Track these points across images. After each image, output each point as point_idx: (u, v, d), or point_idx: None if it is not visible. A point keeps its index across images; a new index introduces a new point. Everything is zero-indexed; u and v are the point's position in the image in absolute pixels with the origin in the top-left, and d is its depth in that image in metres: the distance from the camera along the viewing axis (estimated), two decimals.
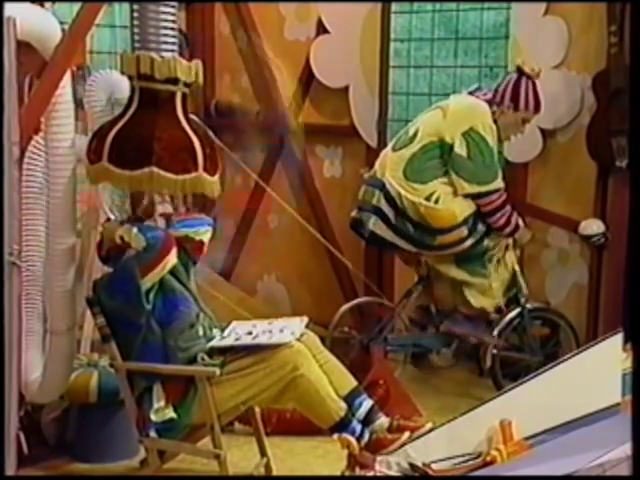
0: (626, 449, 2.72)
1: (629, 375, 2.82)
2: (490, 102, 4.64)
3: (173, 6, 3.60)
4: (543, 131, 5.01)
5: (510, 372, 4.75)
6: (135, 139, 3.46)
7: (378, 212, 4.65)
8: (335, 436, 3.39)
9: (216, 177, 3.58)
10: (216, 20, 6.04)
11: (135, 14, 3.58)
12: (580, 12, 4.86)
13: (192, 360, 3.55)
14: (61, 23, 3.75)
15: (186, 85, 3.54)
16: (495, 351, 4.74)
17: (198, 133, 3.56)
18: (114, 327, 3.54)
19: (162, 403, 3.49)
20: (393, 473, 3.13)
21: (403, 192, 4.58)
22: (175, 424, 3.51)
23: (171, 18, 3.59)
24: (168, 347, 3.52)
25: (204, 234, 3.75)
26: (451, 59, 5.44)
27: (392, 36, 5.45)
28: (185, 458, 3.88)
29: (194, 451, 3.68)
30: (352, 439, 3.31)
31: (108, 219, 3.89)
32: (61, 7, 4.46)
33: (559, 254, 5.14)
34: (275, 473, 3.85)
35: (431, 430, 3.38)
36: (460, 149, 4.53)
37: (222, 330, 3.74)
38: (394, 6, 5.45)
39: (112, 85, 4.12)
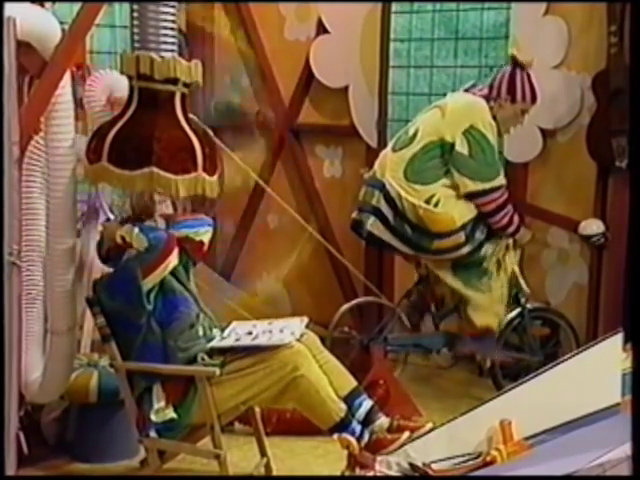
0: (626, 449, 2.72)
1: (629, 375, 2.82)
2: (487, 97, 4.63)
3: (173, 6, 3.60)
4: (543, 131, 5.01)
5: (510, 372, 4.75)
6: (135, 139, 3.46)
7: (377, 213, 4.64)
8: (335, 436, 3.39)
9: (215, 177, 3.58)
10: (216, 20, 6.04)
11: (135, 14, 3.58)
12: (580, 12, 4.86)
13: (192, 360, 3.55)
14: (61, 23, 3.75)
15: (185, 85, 3.54)
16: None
17: (198, 133, 3.56)
18: (114, 327, 3.54)
19: (162, 403, 3.49)
20: (393, 473, 3.13)
21: (403, 193, 4.57)
22: (175, 424, 3.51)
23: (171, 18, 3.58)
24: (168, 347, 3.52)
25: (204, 234, 3.74)
26: (451, 59, 5.44)
27: (392, 36, 5.45)
28: (185, 458, 3.88)
29: (194, 451, 3.68)
30: (352, 439, 3.31)
31: (108, 219, 3.89)
32: (61, 7, 4.46)
33: (559, 254, 5.14)
34: (275, 473, 3.85)
35: (431, 430, 3.38)
36: (461, 147, 4.52)
37: (222, 330, 3.74)
38: (394, 6, 5.45)
39: (112, 85, 4.12)
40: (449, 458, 3.20)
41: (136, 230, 3.51)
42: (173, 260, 3.55)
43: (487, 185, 4.56)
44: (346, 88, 5.63)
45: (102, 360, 4.11)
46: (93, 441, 4.07)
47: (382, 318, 5.05)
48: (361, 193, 4.78)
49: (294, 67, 5.78)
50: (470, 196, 4.58)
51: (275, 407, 3.98)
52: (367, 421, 3.56)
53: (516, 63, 4.60)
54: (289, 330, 3.61)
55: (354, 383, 3.65)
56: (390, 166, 4.64)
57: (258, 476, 3.82)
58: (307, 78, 5.77)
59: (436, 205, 4.54)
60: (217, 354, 3.57)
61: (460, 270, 4.71)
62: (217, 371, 3.44)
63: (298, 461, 4.10)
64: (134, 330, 3.51)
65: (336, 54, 5.58)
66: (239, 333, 3.69)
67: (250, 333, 3.66)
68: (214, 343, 3.63)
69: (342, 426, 3.47)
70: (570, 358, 3.43)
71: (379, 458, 3.20)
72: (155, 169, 3.41)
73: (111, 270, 3.64)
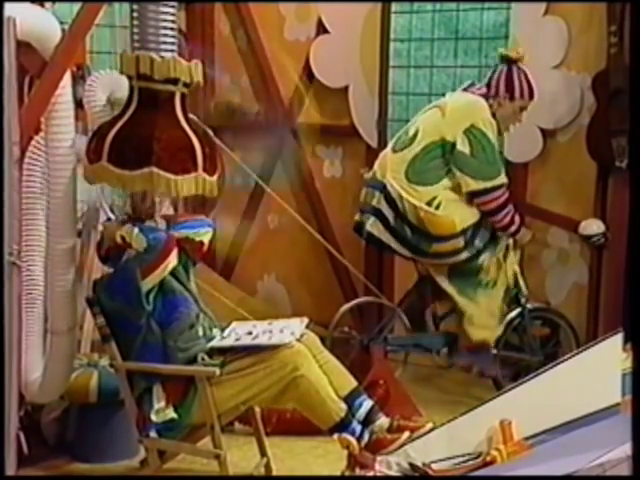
0: (626, 449, 2.72)
1: (629, 375, 2.82)
2: (485, 96, 4.63)
3: (173, 6, 3.60)
4: (543, 131, 5.01)
5: (510, 372, 4.75)
6: (134, 139, 3.46)
7: (377, 213, 4.64)
8: (335, 436, 3.39)
9: (215, 177, 3.58)
10: (216, 20, 6.04)
11: (135, 14, 3.58)
12: (580, 12, 4.86)
13: (192, 360, 3.55)
14: (61, 23, 3.75)
15: (185, 85, 3.54)
16: (495, 351, 4.74)
17: (197, 133, 3.56)
18: (114, 327, 3.54)
19: (162, 404, 3.49)
20: (393, 473, 3.13)
21: (405, 194, 4.56)
22: (175, 424, 3.51)
23: (171, 18, 3.59)
24: (168, 348, 3.51)
25: (204, 235, 3.74)
26: (451, 59, 5.44)
27: (392, 36, 5.45)
28: (185, 458, 3.89)
29: (194, 451, 3.68)
30: (352, 439, 3.31)
31: (108, 219, 3.89)
32: (61, 7, 4.46)
33: (559, 254, 5.14)
34: (275, 473, 3.85)
35: (431, 430, 3.38)
36: (462, 146, 4.52)
37: (222, 330, 3.74)
38: (394, 6, 5.45)
39: (112, 85, 4.12)
40: (449, 458, 3.20)
41: (136, 230, 3.51)
42: (172, 261, 3.55)
43: (489, 184, 4.56)
44: (346, 88, 5.63)
45: (102, 360, 4.11)
46: (93, 441, 4.07)
47: (382, 318, 5.05)
48: (362, 194, 4.77)
49: (294, 67, 5.78)
50: (472, 195, 4.57)
51: (275, 407, 3.98)
52: (367, 421, 3.56)
53: (509, 61, 4.61)
54: (289, 330, 3.61)
55: (354, 383, 3.64)
56: (391, 167, 4.64)
57: (258, 476, 3.82)
58: (307, 78, 5.76)
59: (437, 207, 4.53)
60: (217, 354, 3.57)
61: (455, 277, 4.70)
62: (217, 371, 3.44)
63: (298, 461, 4.10)
64: (134, 330, 3.51)
65: (336, 54, 5.58)
66: (239, 333, 3.68)
67: (250, 333, 3.66)
68: (214, 343, 3.62)
69: (342, 426, 3.47)
70: (570, 358, 3.43)
71: (379, 458, 3.20)
72: (155, 169, 3.41)
73: (111, 270, 3.64)
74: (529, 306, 4.81)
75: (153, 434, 3.51)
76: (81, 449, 4.10)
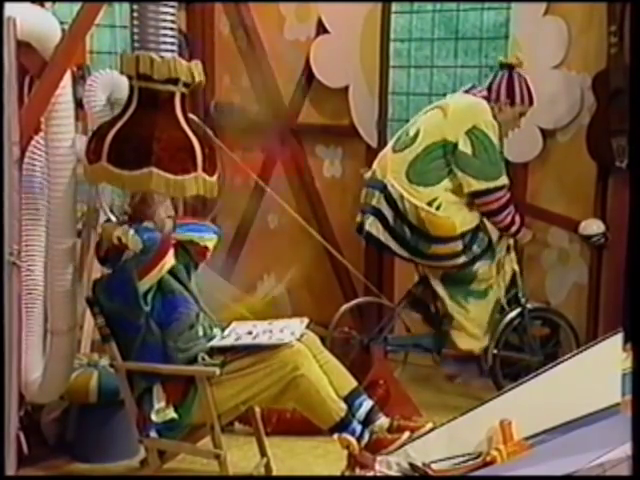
0: (626, 449, 2.72)
1: (629, 375, 2.82)
2: (486, 100, 4.64)
3: (173, 6, 3.60)
4: (543, 131, 5.01)
5: (510, 372, 4.75)
6: (134, 139, 3.46)
7: (377, 213, 4.63)
8: (335, 436, 3.39)
9: (215, 177, 3.58)
10: (216, 20, 6.04)
11: (135, 14, 3.58)
12: (580, 12, 4.86)
13: (192, 360, 3.55)
14: (61, 23, 3.75)
15: (185, 85, 3.54)
16: (495, 351, 4.74)
17: (197, 133, 3.56)
18: (113, 328, 3.55)
19: (163, 404, 3.49)
20: (393, 473, 3.13)
21: (406, 195, 4.55)
22: (176, 424, 3.51)
23: (171, 18, 3.58)
24: (168, 348, 3.52)
25: (209, 241, 3.77)
26: (451, 59, 5.44)
27: (392, 36, 5.45)
28: (185, 458, 3.89)
29: (194, 451, 3.68)
30: (352, 439, 3.31)
31: (108, 219, 3.89)
32: (61, 7, 4.46)
33: (559, 254, 5.14)
34: (275, 473, 3.86)
35: (431, 430, 3.38)
36: (465, 147, 4.52)
37: (222, 330, 3.74)
38: (394, 6, 5.45)
39: (112, 85, 4.12)
40: (449, 458, 3.20)
41: (131, 232, 3.50)
42: (169, 261, 3.55)
43: (491, 184, 4.56)
44: (346, 88, 5.63)
45: (102, 360, 4.11)
46: (93, 441, 4.07)
47: (382, 318, 5.04)
48: (362, 194, 4.77)
49: (294, 67, 5.78)
50: (474, 195, 4.57)
51: (275, 407, 3.98)
52: (367, 421, 3.56)
53: (510, 67, 4.62)
54: (289, 330, 3.61)
55: (354, 383, 3.64)
56: (392, 167, 4.63)
57: (258, 476, 3.82)
58: (307, 78, 5.76)
59: (438, 208, 4.53)
60: (217, 353, 3.57)
61: (449, 282, 4.71)
62: (217, 371, 3.44)
63: (298, 461, 4.10)
64: (133, 331, 3.51)
65: (336, 54, 5.58)
66: (239, 333, 3.69)
67: (250, 333, 3.66)
68: (214, 342, 3.63)
69: (342, 426, 3.47)
70: (570, 358, 3.43)
71: (379, 458, 3.20)
72: (155, 169, 3.41)
73: (110, 271, 3.64)
74: (529, 306, 4.81)
75: (153, 434, 3.51)
76: (81, 449, 4.10)
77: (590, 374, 3.27)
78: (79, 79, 4.24)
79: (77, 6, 3.86)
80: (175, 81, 3.49)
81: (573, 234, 5.00)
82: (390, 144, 4.80)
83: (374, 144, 5.46)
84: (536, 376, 3.38)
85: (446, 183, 4.56)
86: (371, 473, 3.14)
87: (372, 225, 4.66)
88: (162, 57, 3.48)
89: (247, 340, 3.60)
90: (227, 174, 5.19)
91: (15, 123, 3.51)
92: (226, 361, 3.52)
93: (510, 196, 4.64)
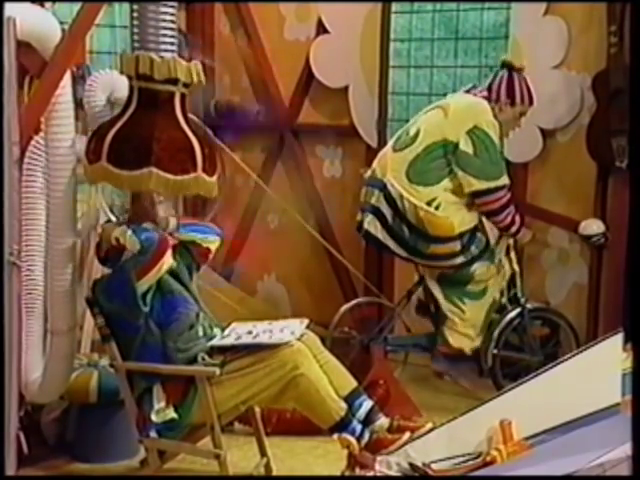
0: (626, 449, 2.72)
1: (629, 375, 2.82)
2: (487, 99, 4.64)
3: (173, 6, 3.60)
4: (543, 131, 5.01)
5: (510, 372, 4.75)
6: (134, 139, 3.46)
7: (376, 212, 4.63)
8: (335, 436, 3.39)
9: (215, 177, 3.58)
10: (216, 20, 6.04)
11: (134, 14, 3.58)
12: (580, 12, 4.86)
13: (192, 360, 3.55)
14: (61, 23, 3.75)
15: (185, 85, 3.54)
16: (495, 351, 4.74)
17: (197, 133, 3.56)
18: (113, 328, 3.54)
19: (163, 404, 3.49)
20: (393, 473, 3.13)
21: (405, 194, 4.55)
22: (176, 424, 3.51)
23: (170, 18, 3.59)
24: (167, 348, 3.51)
25: (212, 242, 3.77)
26: (451, 59, 5.44)
27: (392, 36, 5.44)
28: (185, 458, 3.88)
29: (194, 451, 3.68)
30: (352, 439, 3.31)
31: (108, 220, 3.89)
32: (61, 7, 4.45)
33: (559, 254, 5.14)
34: (275, 473, 3.85)
35: (431, 430, 3.38)
36: (466, 147, 4.52)
37: (222, 330, 3.74)
38: (394, 6, 5.44)
39: (112, 85, 4.12)
40: (449, 458, 3.20)
41: (129, 232, 3.49)
42: (167, 261, 3.55)
43: (492, 184, 4.56)
44: (346, 88, 5.63)
45: (102, 360, 4.11)
46: (93, 441, 4.07)
47: (382, 318, 5.04)
48: (362, 193, 4.77)
49: (294, 67, 5.78)
50: (475, 195, 4.56)
51: (275, 407, 3.98)
52: (367, 421, 3.55)
53: (511, 67, 4.62)
54: (289, 330, 3.61)
55: (354, 383, 3.64)
56: (392, 166, 4.63)
57: (258, 476, 3.82)
58: (307, 78, 5.76)
59: (437, 208, 4.53)
60: (217, 353, 3.57)
61: (445, 284, 4.71)
62: (217, 371, 3.44)
63: (298, 461, 4.10)
64: (132, 331, 3.50)
65: (336, 54, 5.58)
66: (239, 332, 3.68)
67: (250, 332, 3.66)
68: (214, 342, 3.63)
69: (342, 425, 3.47)
70: (570, 358, 3.43)
71: (379, 458, 3.20)
72: (154, 169, 3.41)
73: (110, 271, 3.64)
74: (529, 306, 4.81)
75: (153, 434, 3.51)
76: (81, 449, 4.10)
77: (590, 374, 3.27)
78: (79, 79, 4.23)
79: (77, 6, 3.87)
80: (175, 81, 3.49)
81: (573, 234, 5.00)
82: (390, 143, 4.80)
83: (374, 144, 5.46)
84: (536, 376, 3.38)
85: (446, 183, 4.56)
86: (371, 473, 3.14)
87: (371, 224, 4.66)
88: (162, 57, 3.48)
89: (247, 339, 3.60)
90: (227, 174, 5.21)
91: (15, 123, 3.51)
92: (226, 361, 3.52)
93: (511, 196, 4.64)
